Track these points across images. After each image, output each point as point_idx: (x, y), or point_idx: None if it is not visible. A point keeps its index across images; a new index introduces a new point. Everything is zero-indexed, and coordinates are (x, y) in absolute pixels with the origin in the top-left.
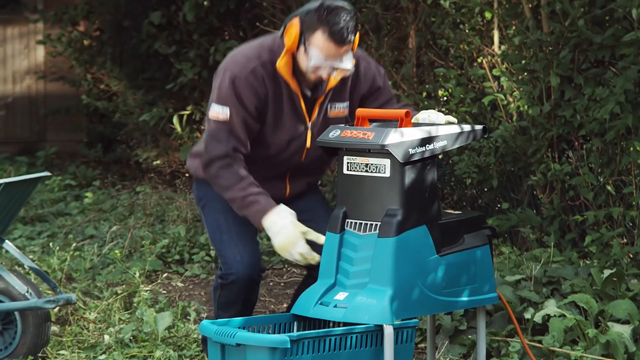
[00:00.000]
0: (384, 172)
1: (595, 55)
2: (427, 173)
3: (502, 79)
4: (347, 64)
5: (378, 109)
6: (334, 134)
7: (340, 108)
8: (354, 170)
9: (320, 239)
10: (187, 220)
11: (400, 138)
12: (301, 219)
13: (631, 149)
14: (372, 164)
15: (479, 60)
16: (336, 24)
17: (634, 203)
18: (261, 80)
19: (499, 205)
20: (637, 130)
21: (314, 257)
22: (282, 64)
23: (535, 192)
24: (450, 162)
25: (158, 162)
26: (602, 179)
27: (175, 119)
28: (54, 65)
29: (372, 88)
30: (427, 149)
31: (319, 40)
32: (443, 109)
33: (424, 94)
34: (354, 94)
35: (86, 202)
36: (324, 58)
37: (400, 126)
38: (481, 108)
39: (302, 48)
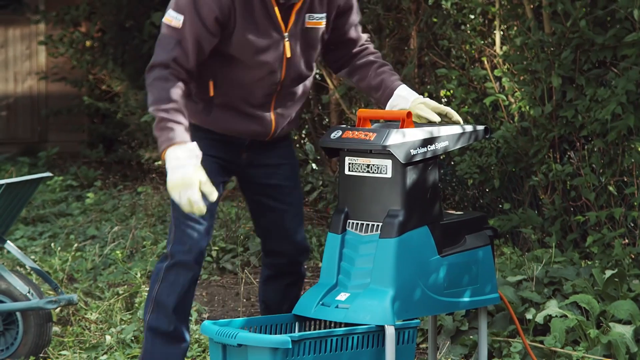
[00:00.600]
0: (386, 173)
1: (597, 55)
2: (428, 174)
3: (503, 79)
4: None
5: (346, 27)
6: (335, 134)
7: (317, 19)
8: (356, 171)
9: (212, 194)
10: None
11: (402, 139)
12: (267, 192)
13: (633, 146)
14: (373, 165)
15: (483, 60)
16: None
17: (635, 204)
18: None
19: (500, 206)
20: (638, 131)
21: (200, 208)
22: None
23: (536, 193)
24: (452, 162)
25: (160, 162)
26: (603, 180)
27: None
28: (55, 66)
29: (347, 3)
30: (429, 149)
31: None
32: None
33: (426, 94)
34: (331, 4)
35: (88, 203)
36: None
37: (402, 127)
38: (483, 109)
39: None
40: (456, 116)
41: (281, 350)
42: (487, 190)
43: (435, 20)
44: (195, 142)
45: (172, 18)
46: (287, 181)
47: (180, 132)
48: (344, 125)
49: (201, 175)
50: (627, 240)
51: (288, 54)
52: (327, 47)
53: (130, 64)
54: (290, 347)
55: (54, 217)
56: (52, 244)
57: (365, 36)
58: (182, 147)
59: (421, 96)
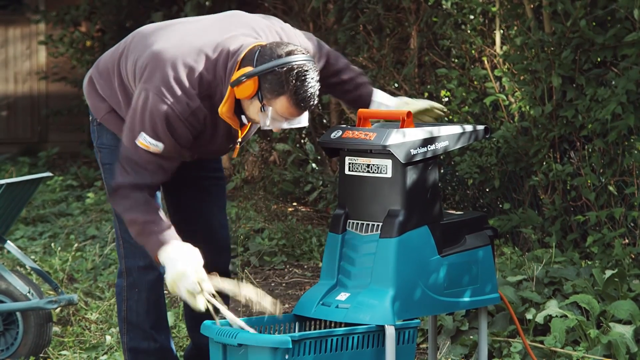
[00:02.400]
0: (386, 173)
1: (597, 55)
2: (428, 173)
3: (503, 79)
4: (304, 122)
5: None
6: (335, 134)
7: None
8: (356, 171)
9: (219, 284)
10: None
11: (402, 138)
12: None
13: (633, 146)
14: (373, 165)
15: (483, 59)
16: (304, 92)
17: (635, 203)
18: (202, 119)
19: (500, 206)
20: (639, 131)
21: (196, 303)
22: (224, 110)
23: (537, 193)
24: (452, 162)
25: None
26: (603, 180)
27: None
28: (55, 66)
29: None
30: (429, 149)
31: (282, 105)
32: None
33: (426, 94)
34: None
35: (88, 203)
36: (284, 121)
37: (402, 126)
38: (483, 108)
39: (255, 102)
40: (438, 105)
41: (281, 350)
42: (487, 190)
43: (435, 20)
44: (188, 244)
45: (150, 144)
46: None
47: (166, 233)
48: (344, 125)
49: (200, 274)
50: (627, 240)
51: (234, 155)
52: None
53: None
54: (291, 346)
55: (54, 217)
56: (52, 244)
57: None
58: (173, 247)
59: (396, 98)
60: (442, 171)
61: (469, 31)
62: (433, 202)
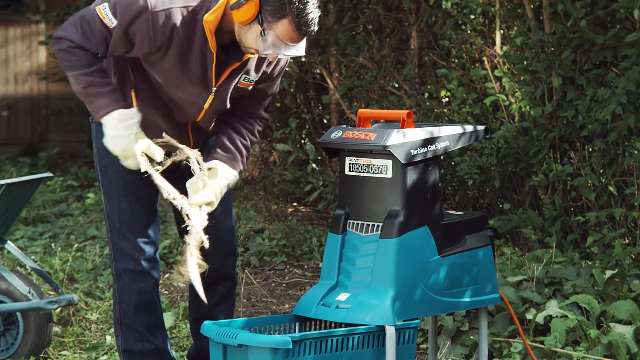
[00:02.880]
0: (386, 173)
1: (597, 56)
2: (429, 174)
3: (504, 79)
4: (302, 50)
5: (251, 99)
6: (335, 134)
7: (249, 80)
8: (356, 171)
9: (157, 155)
10: None
11: (402, 139)
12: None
13: (633, 146)
14: (374, 165)
15: (484, 60)
16: (306, 15)
17: (636, 204)
18: (170, 27)
19: (500, 206)
20: (639, 131)
21: (140, 170)
22: (210, 19)
23: (537, 193)
24: (452, 162)
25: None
26: (604, 180)
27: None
28: (56, 66)
29: (275, 73)
30: (429, 149)
31: (283, 29)
32: (445, 110)
33: (426, 94)
34: (266, 69)
35: (88, 203)
36: (283, 47)
37: (402, 127)
38: (483, 109)
39: (254, 27)
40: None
41: (282, 351)
42: (487, 190)
43: (435, 20)
44: (134, 107)
45: (106, 16)
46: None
47: (113, 97)
48: (344, 126)
49: (142, 144)
50: (627, 241)
51: (206, 106)
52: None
53: None
54: (291, 347)
55: (55, 218)
56: (53, 244)
57: (261, 117)
58: (121, 114)
59: (216, 182)
60: (442, 171)
61: (469, 31)
62: (433, 202)
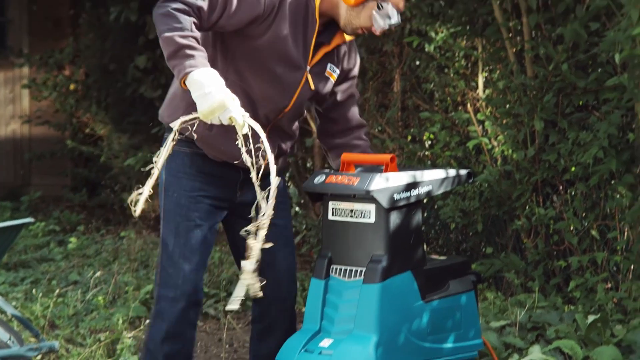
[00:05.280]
0: (369, 218)
1: (579, 99)
2: (412, 218)
3: (486, 122)
4: (399, 19)
5: (344, 100)
6: (318, 179)
7: (335, 72)
8: (339, 216)
9: (243, 114)
10: None
11: (385, 183)
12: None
13: (615, 188)
14: (357, 210)
15: (466, 103)
16: None
17: (618, 248)
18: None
19: (483, 249)
20: (620, 175)
21: (244, 120)
22: None
23: (519, 237)
24: (435, 206)
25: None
26: (586, 224)
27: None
28: (39, 110)
29: (352, 71)
30: (412, 194)
31: None
32: (428, 153)
33: (409, 137)
34: (344, 64)
35: (70, 248)
36: (395, 15)
37: (386, 171)
38: (466, 152)
39: (369, 4)
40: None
41: None
42: (470, 233)
43: (418, 63)
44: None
45: None
46: (278, 219)
47: (201, 59)
48: (328, 170)
49: (231, 94)
50: (609, 285)
51: (299, 88)
52: (325, 115)
53: (114, 107)
54: None
55: (36, 263)
56: (34, 290)
57: (361, 124)
58: (204, 73)
59: None
60: (425, 215)
61: (452, 75)
62: (416, 247)
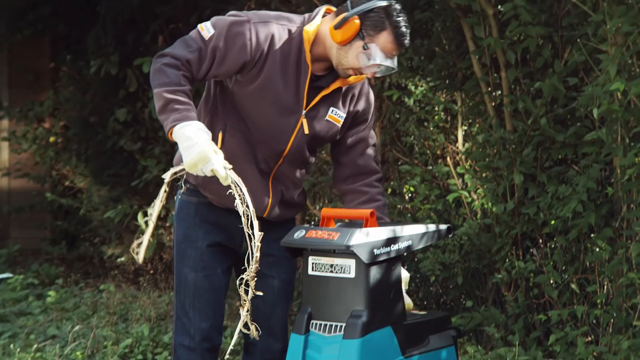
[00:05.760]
0: (349, 273)
1: (558, 153)
2: (392, 273)
3: (466, 176)
4: (395, 64)
5: (353, 144)
6: (298, 234)
7: (338, 116)
8: (319, 271)
9: (227, 163)
10: (150, 319)
11: (365, 238)
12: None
13: (594, 242)
14: (337, 265)
15: (446, 156)
16: (402, 28)
17: (598, 301)
18: (269, 37)
19: (463, 303)
20: (600, 229)
21: (227, 172)
22: (310, 32)
23: (499, 290)
24: (415, 259)
25: (122, 259)
26: (566, 277)
27: (140, 216)
28: (18, 162)
29: (362, 115)
30: (392, 249)
31: (384, 40)
32: (408, 206)
33: (389, 190)
34: (351, 108)
35: (48, 301)
36: (383, 58)
37: (365, 226)
38: (446, 205)
39: (356, 44)
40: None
41: None
42: (450, 286)
43: (398, 116)
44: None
45: (205, 29)
46: (283, 274)
47: (186, 112)
48: (307, 225)
49: (214, 146)
50: (590, 338)
51: (295, 132)
52: (338, 161)
53: (94, 160)
54: None
55: (14, 316)
56: (12, 345)
57: (373, 170)
58: (190, 125)
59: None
60: (405, 268)
61: (431, 128)
62: (396, 301)
